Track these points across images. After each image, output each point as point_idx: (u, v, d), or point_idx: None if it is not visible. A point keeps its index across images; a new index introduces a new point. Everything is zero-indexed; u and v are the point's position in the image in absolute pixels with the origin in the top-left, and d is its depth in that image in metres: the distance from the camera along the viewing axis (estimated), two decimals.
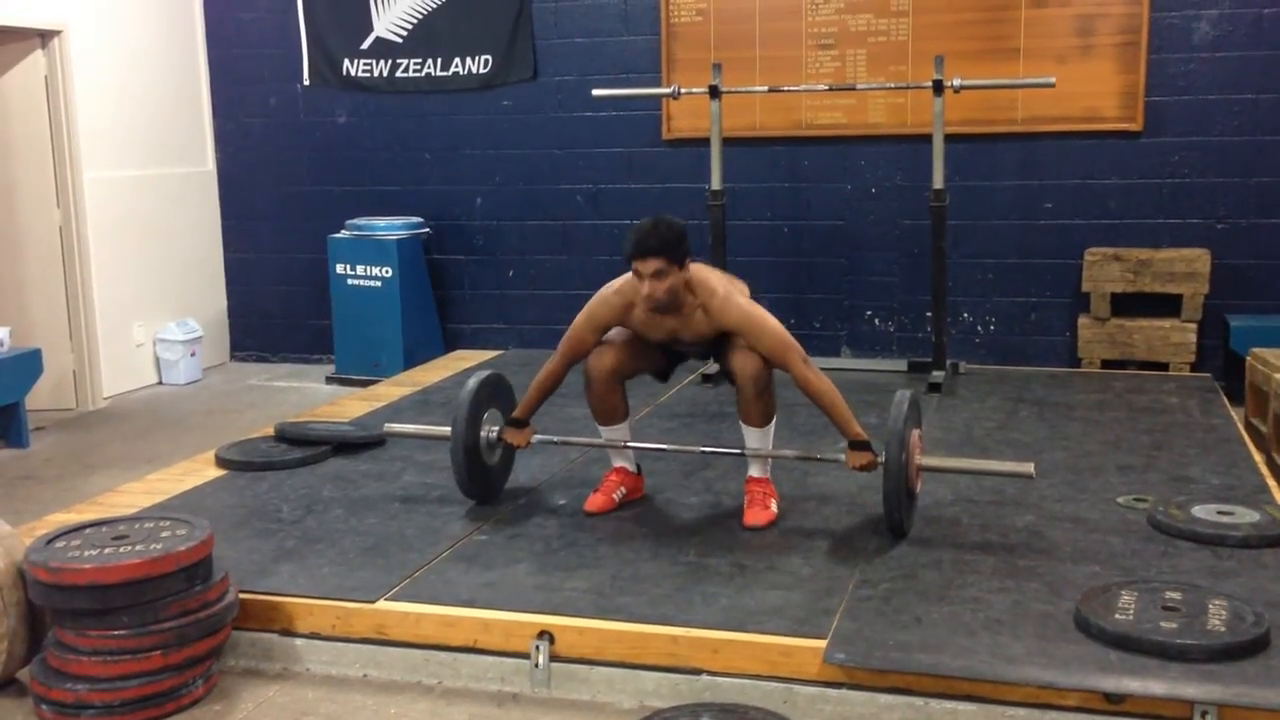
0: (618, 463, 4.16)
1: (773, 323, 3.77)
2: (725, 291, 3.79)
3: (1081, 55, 6.32)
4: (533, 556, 3.66)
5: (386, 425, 4.49)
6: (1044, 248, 6.56)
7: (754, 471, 4.01)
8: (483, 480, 4.10)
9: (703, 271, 3.85)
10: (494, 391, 4.15)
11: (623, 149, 7.04)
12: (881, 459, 3.66)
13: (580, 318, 3.93)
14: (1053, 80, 5.80)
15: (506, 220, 7.36)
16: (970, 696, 2.87)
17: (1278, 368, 5.10)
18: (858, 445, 3.74)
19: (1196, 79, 6.25)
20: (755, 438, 3.96)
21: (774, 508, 3.95)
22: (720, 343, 3.91)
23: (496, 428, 4.09)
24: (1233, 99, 6.22)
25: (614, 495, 4.09)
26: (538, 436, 4.12)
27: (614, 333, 3.97)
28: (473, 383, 4.06)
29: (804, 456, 4.05)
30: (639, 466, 4.23)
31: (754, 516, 3.90)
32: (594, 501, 4.07)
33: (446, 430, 4.03)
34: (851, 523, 3.93)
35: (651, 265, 3.66)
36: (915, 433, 3.77)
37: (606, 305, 3.89)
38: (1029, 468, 3.71)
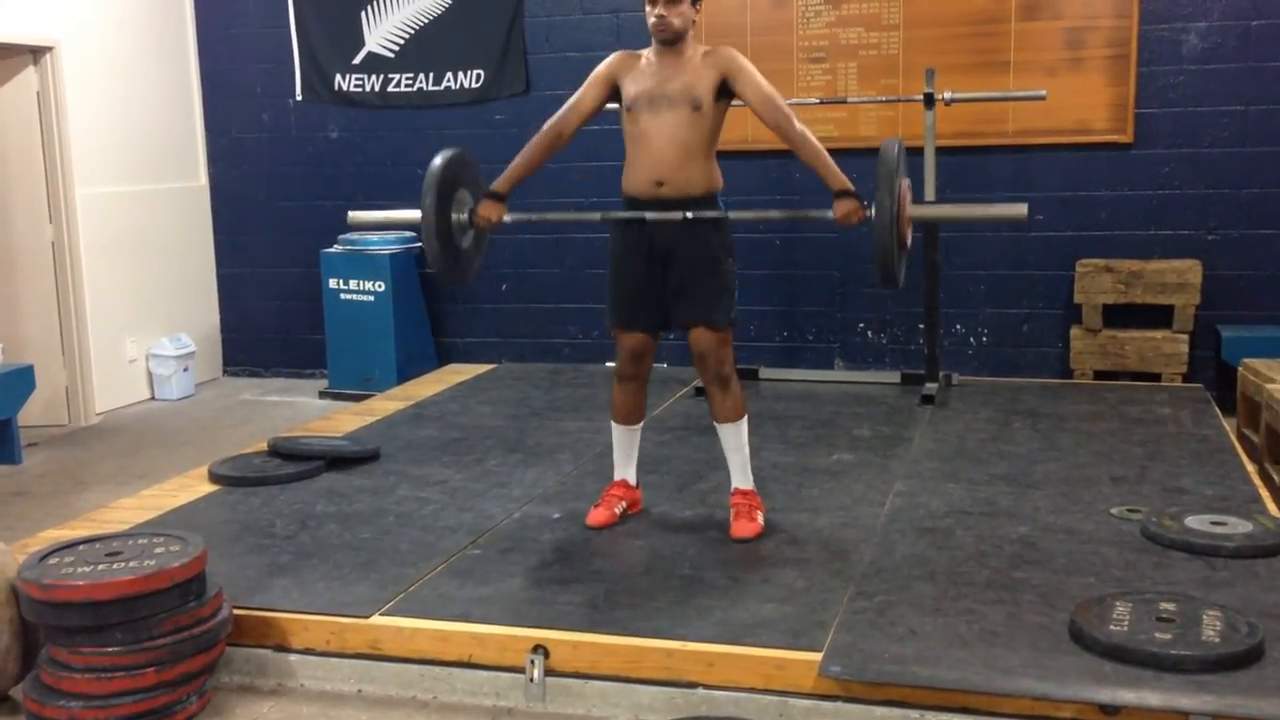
0: (619, 475, 4.16)
1: (766, 81, 3.82)
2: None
3: (1072, 68, 6.35)
4: (527, 570, 3.66)
5: (350, 214, 4.33)
6: (1035, 259, 6.58)
7: (738, 484, 4.02)
8: (454, 258, 3.94)
9: None
10: (462, 170, 3.98)
11: (615, 162, 7.02)
12: (870, 210, 3.61)
13: (584, 84, 3.96)
14: (1043, 93, 5.84)
15: (499, 234, 7.30)
16: (965, 709, 2.87)
17: (1269, 378, 5.12)
18: (844, 195, 3.72)
19: (1186, 91, 6.28)
20: (730, 435, 3.97)
21: (760, 519, 3.95)
22: (684, 306, 3.87)
23: (467, 207, 3.91)
24: (1222, 111, 6.25)
25: (615, 509, 4.09)
26: (510, 216, 3.96)
27: (623, 336, 3.99)
28: (440, 159, 3.90)
29: (792, 216, 4.03)
30: (637, 481, 4.23)
31: (740, 529, 3.91)
32: (596, 516, 4.06)
33: (415, 214, 3.89)
34: (846, 535, 3.93)
35: None
36: (904, 182, 3.70)
37: (609, 61, 3.93)
38: (1021, 210, 3.65)
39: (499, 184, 3.96)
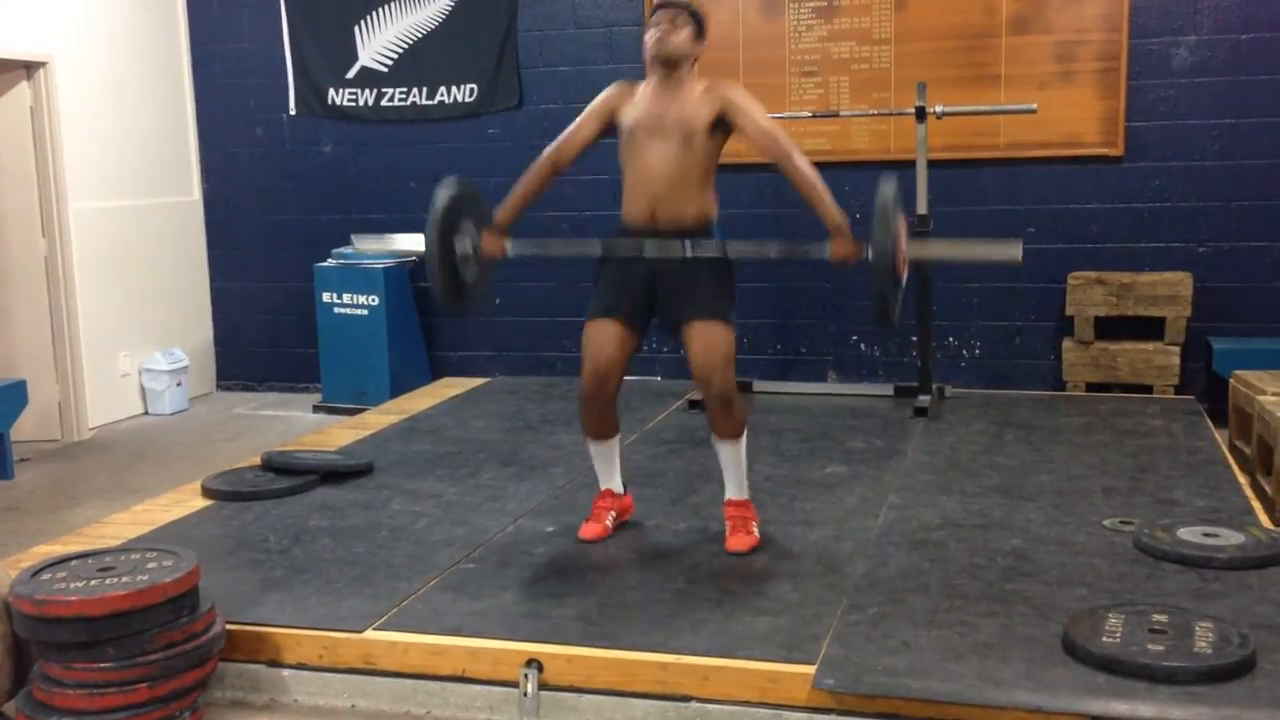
0: (605, 485, 4.15)
1: (766, 116, 3.84)
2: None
3: (1062, 82, 6.38)
4: (520, 584, 3.66)
5: (354, 238, 4.33)
6: (1027, 272, 6.59)
7: (732, 495, 3.99)
8: (460, 290, 3.93)
9: None
10: (465, 200, 3.94)
11: (609, 176, 7.00)
12: (866, 249, 3.58)
13: (582, 114, 3.94)
14: (1034, 106, 5.87)
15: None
16: None
17: (1261, 390, 5.13)
18: (839, 234, 3.68)
19: (1176, 104, 6.31)
20: (727, 452, 3.94)
21: (755, 532, 3.95)
22: (681, 305, 3.80)
23: (470, 239, 3.89)
24: (1212, 124, 6.29)
25: (606, 520, 4.08)
26: (512, 248, 3.93)
27: (594, 340, 3.89)
28: (443, 193, 3.86)
29: (789, 254, 4.07)
30: (626, 486, 4.22)
31: (737, 542, 3.89)
32: (588, 529, 4.05)
33: (418, 239, 3.87)
34: (839, 548, 3.93)
35: (672, 13, 3.73)
36: (901, 218, 3.67)
37: (607, 92, 3.91)
38: (1016, 252, 3.63)
39: (500, 216, 3.95)
